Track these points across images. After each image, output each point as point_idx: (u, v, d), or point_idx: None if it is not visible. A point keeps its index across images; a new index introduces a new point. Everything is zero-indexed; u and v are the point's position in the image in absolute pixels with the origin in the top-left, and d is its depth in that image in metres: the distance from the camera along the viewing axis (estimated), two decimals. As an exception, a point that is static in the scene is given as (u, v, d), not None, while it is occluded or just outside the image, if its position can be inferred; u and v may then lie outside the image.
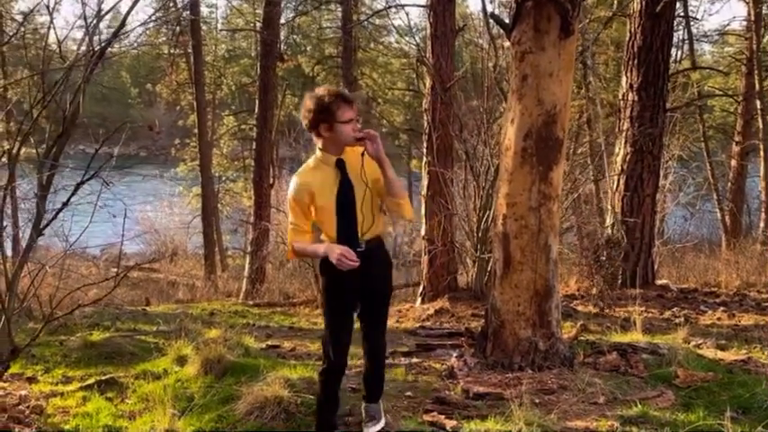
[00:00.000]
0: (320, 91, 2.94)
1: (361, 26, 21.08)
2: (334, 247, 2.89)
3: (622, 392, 3.80)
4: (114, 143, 4.02)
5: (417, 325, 6.80)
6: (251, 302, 10.71)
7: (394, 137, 24.91)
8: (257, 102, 13.79)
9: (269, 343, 5.92)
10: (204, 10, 24.90)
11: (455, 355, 4.58)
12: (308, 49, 27.45)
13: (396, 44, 24.38)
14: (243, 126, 21.43)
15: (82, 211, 3.78)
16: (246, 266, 13.35)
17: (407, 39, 16.24)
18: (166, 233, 18.76)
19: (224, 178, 23.16)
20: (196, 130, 18.55)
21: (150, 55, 26.47)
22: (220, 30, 26.34)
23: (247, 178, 21.07)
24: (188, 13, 16.16)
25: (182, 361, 4.60)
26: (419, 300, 8.62)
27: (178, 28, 17.12)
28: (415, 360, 4.85)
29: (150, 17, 18.77)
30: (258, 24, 17.03)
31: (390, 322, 7.33)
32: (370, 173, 2.97)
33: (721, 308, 6.85)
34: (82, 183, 3.17)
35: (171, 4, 18.08)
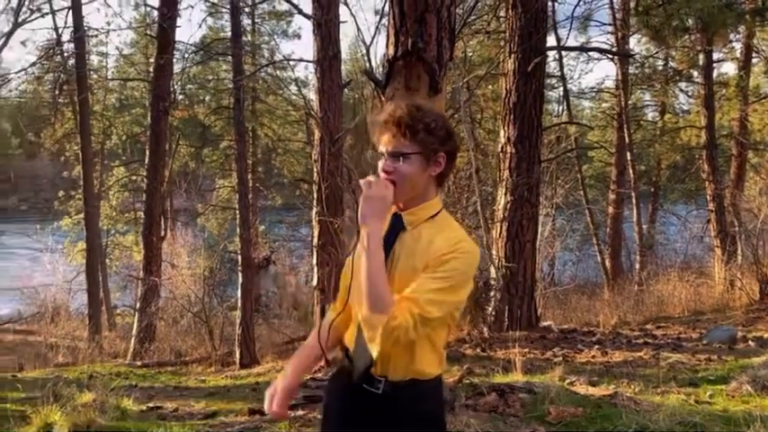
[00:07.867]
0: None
1: (260, 77, 21.15)
2: (278, 380, 1.91)
3: (498, 432, 3.94)
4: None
5: (308, 377, 6.69)
6: (138, 363, 10.15)
7: (295, 187, 24.86)
8: (147, 152, 13.41)
9: (150, 405, 5.64)
10: (94, 59, 24.06)
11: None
12: (205, 98, 27.13)
13: (294, 96, 24.66)
14: (134, 177, 20.66)
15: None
16: (135, 325, 12.67)
17: (305, 91, 16.59)
18: (47, 291, 17.49)
19: (113, 232, 22.03)
20: (82, 182, 17.66)
21: (33, 103, 25.15)
22: (110, 79, 25.47)
23: (138, 231, 20.20)
24: (73, 62, 15.59)
25: (48, 429, 4.31)
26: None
27: (63, 76, 16.42)
28: (300, 412, 4.77)
29: (33, 64, 17.85)
30: (151, 74, 16.69)
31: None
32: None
33: (596, 346, 7.24)
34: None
35: (56, 51, 17.39)
